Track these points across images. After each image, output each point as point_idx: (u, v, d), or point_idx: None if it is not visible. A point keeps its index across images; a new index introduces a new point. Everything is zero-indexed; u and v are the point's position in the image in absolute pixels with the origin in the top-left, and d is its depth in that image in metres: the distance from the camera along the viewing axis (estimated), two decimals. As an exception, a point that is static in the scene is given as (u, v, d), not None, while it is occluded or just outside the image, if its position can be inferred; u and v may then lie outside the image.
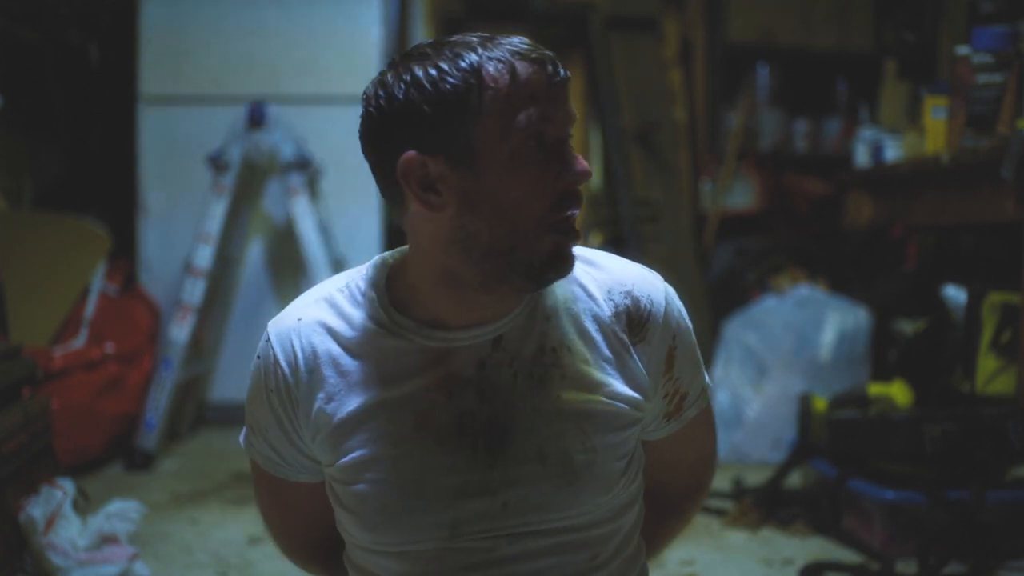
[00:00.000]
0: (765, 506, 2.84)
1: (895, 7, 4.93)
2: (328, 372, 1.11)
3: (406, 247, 1.14)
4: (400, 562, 1.11)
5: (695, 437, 1.25)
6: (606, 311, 1.14)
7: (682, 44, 5.06)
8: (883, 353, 3.54)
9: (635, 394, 1.13)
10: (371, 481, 1.09)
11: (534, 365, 1.11)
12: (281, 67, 4.07)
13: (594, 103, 4.87)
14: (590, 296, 1.15)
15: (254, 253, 4.16)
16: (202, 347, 3.95)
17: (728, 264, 4.67)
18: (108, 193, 4.30)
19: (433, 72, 1.02)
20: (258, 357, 1.15)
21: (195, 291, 3.68)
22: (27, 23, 3.97)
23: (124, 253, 3.97)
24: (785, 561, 2.53)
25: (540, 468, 1.09)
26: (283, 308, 1.18)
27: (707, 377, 1.24)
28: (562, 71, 1.05)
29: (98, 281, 3.65)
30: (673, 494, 1.29)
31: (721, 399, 3.66)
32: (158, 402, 3.56)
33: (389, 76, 1.05)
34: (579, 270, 1.14)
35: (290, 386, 1.12)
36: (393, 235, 4.14)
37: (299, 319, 1.14)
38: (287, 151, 3.74)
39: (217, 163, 3.74)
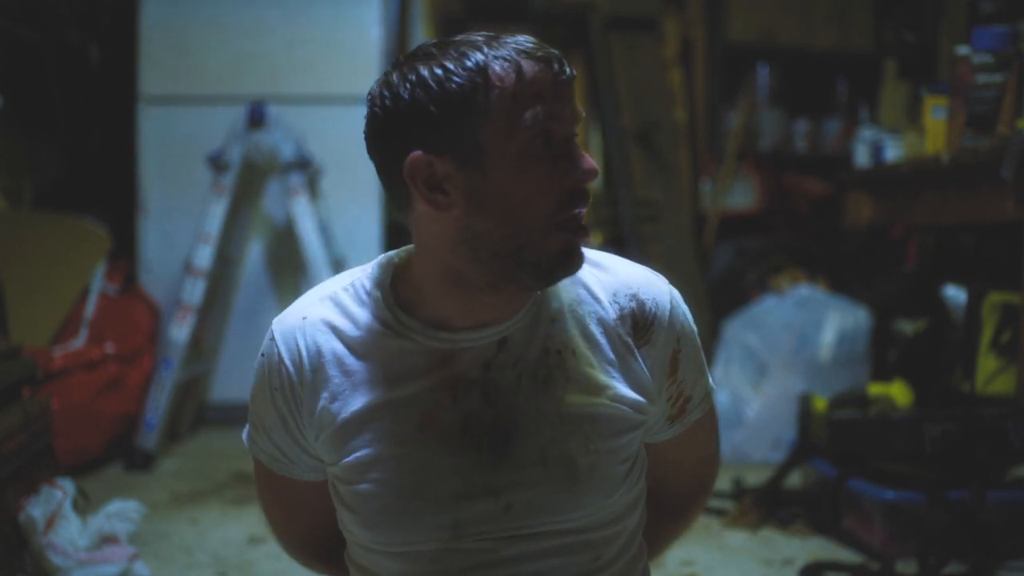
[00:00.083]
0: (765, 506, 2.84)
1: (895, 7, 4.94)
2: (333, 371, 1.11)
3: (411, 246, 1.13)
4: (401, 562, 1.11)
5: (698, 440, 1.25)
6: (611, 314, 1.14)
7: (682, 44, 5.07)
8: (883, 353, 3.54)
9: (639, 397, 1.13)
10: (374, 481, 1.09)
11: (539, 367, 1.10)
12: (281, 67, 4.07)
13: (594, 103, 4.86)
14: (595, 299, 1.14)
15: (254, 253, 4.16)
16: (202, 347, 3.95)
17: (728, 264, 4.67)
18: (108, 193, 4.30)
19: (439, 72, 1.02)
20: (262, 355, 1.15)
21: (195, 291, 3.68)
22: (27, 23, 3.97)
23: (124, 253, 3.97)
24: (785, 561, 2.53)
25: (543, 471, 1.09)
26: (283, 308, 1.17)
27: (711, 380, 1.24)
28: (568, 70, 1.05)
29: (98, 281, 3.65)
30: (675, 496, 1.29)
31: (721, 399, 3.66)
32: (158, 402, 3.56)
33: (394, 76, 1.05)
34: (585, 272, 1.14)
35: (294, 384, 1.12)
36: (393, 235, 4.13)
37: (304, 317, 1.13)
38: (287, 151, 3.74)
39: (217, 163, 3.74)
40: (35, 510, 2.10)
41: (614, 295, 1.15)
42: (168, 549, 2.61)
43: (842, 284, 4.11)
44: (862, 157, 3.43)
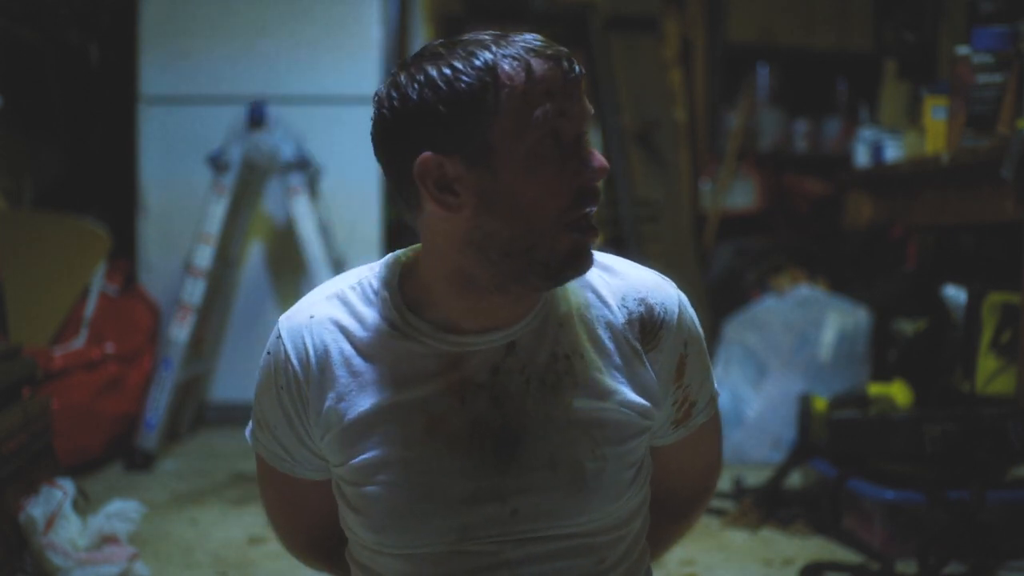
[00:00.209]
0: (765, 506, 2.84)
1: (895, 7, 4.94)
2: (340, 372, 1.10)
3: (418, 245, 1.13)
4: (405, 564, 1.11)
5: (702, 444, 1.25)
6: (619, 318, 1.14)
7: (682, 44, 5.07)
8: (883, 353, 3.54)
9: (645, 402, 1.13)
10: (382, 483, 1.08)
11: (547, 372, 1.10)
12: (281, 67, 4.07)
13: (594, 103, 4.85)
14: (604, 303, 1.14)
15: (254, 253, 4.16)
16: (202, 347, 3.95)
17: (728, 264, 4.67)
18: (108, 193, 4.30)
19: (447, 71, 1.01)
20: (268, 353, 1.14)
21: (195, 291, 3.68)
22: (27, 23, 3.96)
23: (124, 253, 3.97)
24: (785, 561, 2.53)
25: (551, 476, 1.08)
26: (283, 308, 1.17)
27: (716, 384, 1.24)
28: (577, 67, 1.05)
29: (98, 281, 3.65)
30: (678, 499, 1.29)
31: (721, 399, 3.65)
32: (158, 402, 3.56)
33: (402, 77, 1.04)
34: (594, 276, 1.13)
35: (301, 383, 1.11)
36: (393, 235, 4.14)
37: (311, 316, 1.13)
38: (287, 151, 3.74)
39: (217, 163, 3.74)
40: (35, 510, 2.10)
41: (622, 299, 1.14)
42: (168, 549, 2.61)
43: (842, 284, 4.11)
44: (862, 157, 3.44)
